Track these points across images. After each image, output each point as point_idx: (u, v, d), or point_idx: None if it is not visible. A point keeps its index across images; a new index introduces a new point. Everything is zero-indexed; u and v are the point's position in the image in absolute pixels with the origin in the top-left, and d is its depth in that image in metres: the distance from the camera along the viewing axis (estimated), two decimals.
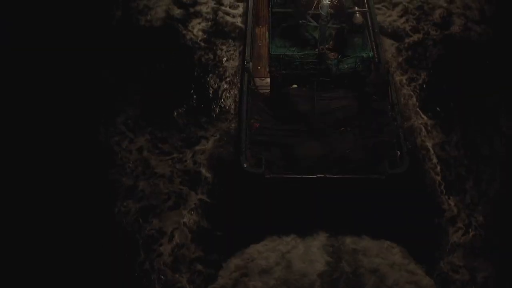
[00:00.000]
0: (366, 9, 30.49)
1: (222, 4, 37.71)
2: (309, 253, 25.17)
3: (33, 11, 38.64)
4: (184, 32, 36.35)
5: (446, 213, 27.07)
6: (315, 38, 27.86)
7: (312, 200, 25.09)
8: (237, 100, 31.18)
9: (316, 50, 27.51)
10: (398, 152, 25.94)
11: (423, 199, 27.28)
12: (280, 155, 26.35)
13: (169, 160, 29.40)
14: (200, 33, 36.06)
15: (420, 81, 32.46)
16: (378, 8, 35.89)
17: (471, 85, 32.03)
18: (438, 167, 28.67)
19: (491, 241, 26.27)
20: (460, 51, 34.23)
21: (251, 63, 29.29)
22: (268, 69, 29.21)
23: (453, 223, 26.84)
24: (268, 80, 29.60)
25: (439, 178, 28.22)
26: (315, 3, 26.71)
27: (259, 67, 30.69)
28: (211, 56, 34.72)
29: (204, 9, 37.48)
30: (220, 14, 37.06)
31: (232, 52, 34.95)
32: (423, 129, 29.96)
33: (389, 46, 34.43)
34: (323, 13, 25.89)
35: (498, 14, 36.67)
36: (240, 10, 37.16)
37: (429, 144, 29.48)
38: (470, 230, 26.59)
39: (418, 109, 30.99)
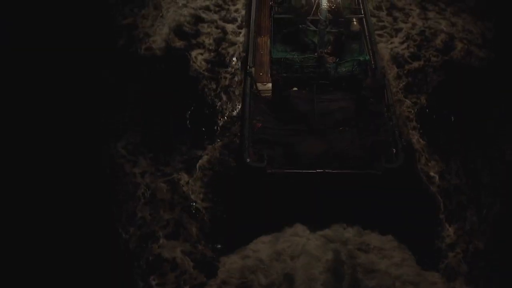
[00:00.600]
0: (362, 15, 32.08)
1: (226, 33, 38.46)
2: (310, 247, 25.94)
3: (33, 11, 38.75)
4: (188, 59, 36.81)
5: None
6: (315, 43, 29.39)
7: (312, 195, 26.20)
8: (240, 106, 32.59)
9: (316, 54, 28.99)
10: (394, 150, 27.09)
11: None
12: (281, 152, 27.52)
13: (169, 183, 29.85)
14: (203, 63, 36.40)
15: (420, 106, 33.12)
16: (380, 35, 37.08)
17: (472, 110, 32.59)
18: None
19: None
20: (461, 76, 34.87)
21: (253, 69, 30.67)
22: (269, 74, 30.71)
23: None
24: (270, 85, 31.03)
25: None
26: (314, 9, 28.22)
27: (261, 73, 32.08)
28: (213, 84, 35.17)
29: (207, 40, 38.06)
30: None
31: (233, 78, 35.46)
32: (423, 155, 30.53)
33: (390, 69, 35.22)
34: (322, 18, 27.43)
35: (499, 38, 37.43)
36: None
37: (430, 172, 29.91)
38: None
39: (417, 133, 31.71)
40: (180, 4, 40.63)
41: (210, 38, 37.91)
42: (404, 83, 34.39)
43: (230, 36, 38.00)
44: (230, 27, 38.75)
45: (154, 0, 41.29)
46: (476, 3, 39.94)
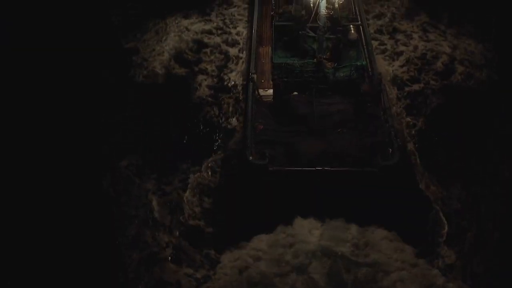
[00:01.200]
0: (359, 23, 33.60)
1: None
2: (309, 241, 26.96)
3: (33, 11, 38.91)
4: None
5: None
6: (314, 49, 30.85)
7: (311, 192, 27.35)
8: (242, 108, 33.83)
9: (315, 59, 30.40)
10: (390, 149, 28.30)
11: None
12: (282, 152, 28.72)
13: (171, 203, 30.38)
14: (206, 89, 36.88)
15: (419, 128, 33.70)
16: (383, 58, 37.93)
17: (471, 133, 32.92)
18: None
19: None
20: (461, 99, 35.31)
21: (255, 75, 32.05)
22: (271, 80, 32.10)
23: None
24: (271, 91, 32.42)
25: None
26: (313, 15, 29.73)
27: (262, 80, 33.47)
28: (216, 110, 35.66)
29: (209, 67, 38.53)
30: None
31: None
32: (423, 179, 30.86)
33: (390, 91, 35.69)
34: (320, 24, 28.89)
35: (499, 58, 38.07)
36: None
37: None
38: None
39: (417, 157, 32.05)
40: (182, 29, 41.45)
41: (212, 65, 38.52)
42: (403, 105, 35.06)
43: (232, 65, 38.62)
44: (232, 51, 39.52)
45: (156, 25, 42.28)
46: (476, 26, 40.63)
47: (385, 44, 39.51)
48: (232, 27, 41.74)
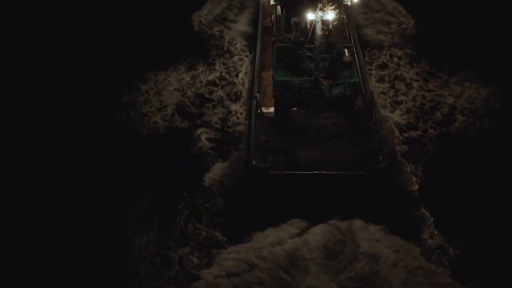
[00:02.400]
0: (352, 44, 36.93)
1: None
2: (309, 238, 29.12)
3: (33, 11, 39.94)
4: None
5: None
6: (311, 68, 34.00)
7: (309, 193, 30.02)
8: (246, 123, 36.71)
9: (312, 77, 33.56)
10: (381, 156, 31.06)
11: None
12: (283, 158, 31.51)
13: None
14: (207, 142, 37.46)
15: (419, 174, 34.31)
16: (385, 106, 39.23)
17: (471, 178, 33.60)
18: None
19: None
20: (460, 145, 36.17)
21: (258, 94, 35.16)
22: (272, 98, 35.17)
23: None
24: (272, 109, 35.47)
25: None
26: (309, 35, 33.06)
27: (265, 100, 36.59)
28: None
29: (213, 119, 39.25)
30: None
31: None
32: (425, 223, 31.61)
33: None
34: (316, 44, 32.16)
35: (504, 101, 39.35)
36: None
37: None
38: None
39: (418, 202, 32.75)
40: (184, 82, 42.83)
41: (214, 117, 39.48)
42: (403, 151, 35.97)
43: (234, 117, 39.57)
44: (234, 106, 40.51)
45: (156, 76, 43.50)
46: (476, 70, 42.07)
47: (385, 93, 40.60)
48: (235, 75, 43.50)
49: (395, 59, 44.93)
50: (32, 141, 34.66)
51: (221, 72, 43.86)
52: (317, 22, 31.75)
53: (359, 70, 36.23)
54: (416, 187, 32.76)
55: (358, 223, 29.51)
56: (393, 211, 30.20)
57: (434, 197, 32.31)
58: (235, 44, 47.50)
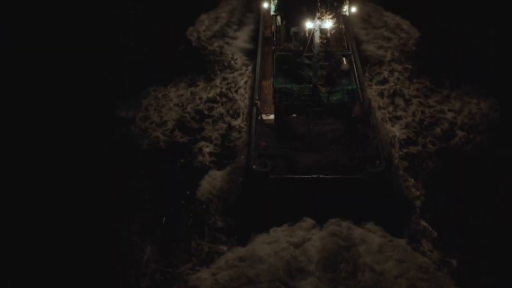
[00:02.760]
0: (350, 53, 37.94)
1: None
2: (308, 246, 29.42)
3: (33, 11, 40.27)
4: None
5: None
6: (310, 76, 34.95)
7: (309, 196, 30.83)
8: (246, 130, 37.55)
9: (311, 85, 34.51)
10: (378, 161, 31.91)
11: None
12: (282, 163, 32.37)
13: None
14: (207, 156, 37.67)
15: (420, 189, 34.33)
16: (384, 120, 39.67)
17: (470, 194, 33.67)
18: None
19: None
20: (460, 161, 36.32)
21: (259, 102, 36.10)
22: (272, 106, 36.10)
23: None
24: (272, 116, 36.40)
25: None
26: (308, 43, 34.07)
27: (265, 107, 37.54)
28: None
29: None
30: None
31: None
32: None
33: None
34: (315, 52, 33.16)
35: (505, 114, 39.59)
36: None
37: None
38: None
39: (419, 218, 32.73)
40: (184, 99, 42.98)
41: (215, 132, 39.72)
42: (404, 167, 36.01)
43: (236, 132, 39.75)
44: (234, 122, 40.71)
45: (156, 92, 43.55)
46: (477, 84, 42.51)
47: (384, 108, 40.85)
48: (235, 91, 43.80)
49: (396, 74, 45.40)
50: (32, 141, 34.95)
51: (221, 88, 44.28)
52: (316, 31, 32.70)
53: (357, 78, 37.18)
54: (416, 194, 33.40)
55: (358, 231, 29.96)
56: (391, 214, 30.99)
57: (434, 212, 32.61)
58: (236, 59, 48.13)
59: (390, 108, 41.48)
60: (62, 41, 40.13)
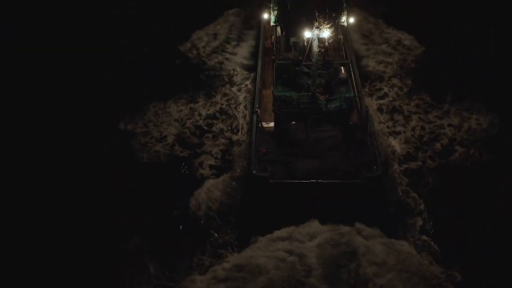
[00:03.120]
0: (348, 61, 38.94)
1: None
2: (308, 255, 30.09)
3: (33, 11, 40.41)
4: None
5: None
6: (309, 84, 35.90)
7: (308, 201, 31.68)
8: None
9: (310, 93, 35.46)
10: (375, 166, 32.75)
11: None
12: (282, 168, 33.24)
13: None
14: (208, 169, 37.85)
15: (421, 206, 34.31)
16: (385, 134, 39.85)
17: (470, 210, 33.78)
18: None
19: None
20: (460, 177, 36.42)
21: (259, 110, 37.04)
22: (272, 114, 37.01)
23: None
24: (272, 123, 37.31)
25: None
26: (306, 52, 35.07)
27: (265, 116, 38.48)
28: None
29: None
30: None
31: None
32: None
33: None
34: (313, 61, 34.13)
35: (503, 131, 39.67)
36: None
37: None
38: None
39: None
40: (183, 115, 43.16)
41: (215, 147, 39.92)
42: (404, 185, 35.93)
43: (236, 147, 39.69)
44: (235, 137, 40.81)
45: (156, 107, 43.62)
46: (474, 101, 42.62)
47: (383, 123, 41.06)
48: (234, 108, 43.90)
49: (395, 89, 45.73)
50: (32, 141, 35.18)
51: (222, 105, 44.47)
52: (314, 40, 33.68)
53: (355, 87, 38.14)
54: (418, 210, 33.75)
55: (358, 240, 30.43)
56: (388, 217, 31.81)
57: (435, 227, 32.86)
58: (236, 74, 48.51)
59: (390, 123, 41.68)
60: (62, 41, 40.26)
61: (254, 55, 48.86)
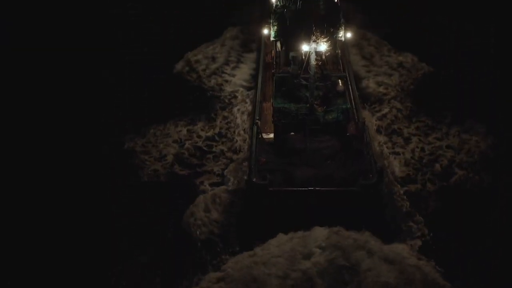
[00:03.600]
0: (345, 74, 40.37)
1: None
2: (308, 267, 30.59)
3: (33, 11, 40.89)
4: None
5: None
6: (307, 96, 37.24)
7: (306, 208, 32.82)
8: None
9: (308, 105, 36.78)
10: (371, 175, 33.93)
11: None
12: (281, 177, 34.44)
13: None
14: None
15: (423, 230, 34.07)
16: (386, 157, 39.69)
17: (470, 234, 33.71)
18: None
19: None
20: (460, 201, 36.33)
21: (259, 121, 38.36)
22: (272, 125, 38.30)
23: None
24: (272, 135, 38.63)
25: None
26: (304, 65, 36.49)
27: (265, 127, 39.81)
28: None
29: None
30: None
31: None
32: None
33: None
34: (311, 73, 35.52)
35: (501, 155, 39.72)
36: None
37: None
38: None
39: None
40: (182, 135, 43.25)
41: (217, 166, 39.98)
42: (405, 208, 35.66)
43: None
44: (236, 156, 40.99)
45: (155, 129, 43.69)
46: (473, 124, 42.93)
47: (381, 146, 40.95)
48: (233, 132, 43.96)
49: (394, 111, 45.98)
50: (32, 141, 35.52)
51: (221, 129, 44.56)
52: (311, 53, 35.09)
53: (352, 99, 39.47)
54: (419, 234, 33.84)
55: (358, 254, 30.67)
56: (384, 223, 32.95)
57: (435, 250, 32.65)
58: (236, 96, 48.79)
59: (389, 145, 41.82)
60: (62, 41, 40.46)
61: (253, 76, 49.63)
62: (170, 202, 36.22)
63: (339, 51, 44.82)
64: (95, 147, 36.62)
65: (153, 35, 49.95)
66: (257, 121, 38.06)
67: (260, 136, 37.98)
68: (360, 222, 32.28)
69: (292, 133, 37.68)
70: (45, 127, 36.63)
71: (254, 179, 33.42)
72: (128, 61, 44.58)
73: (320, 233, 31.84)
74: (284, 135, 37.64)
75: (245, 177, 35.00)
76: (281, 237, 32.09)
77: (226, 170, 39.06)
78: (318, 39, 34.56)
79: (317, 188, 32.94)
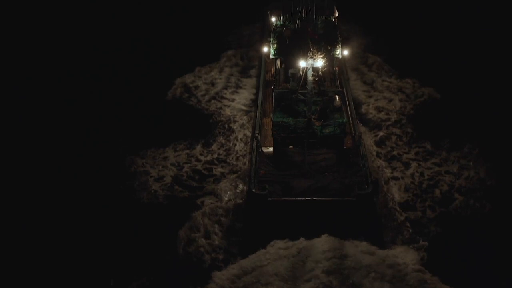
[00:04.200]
0: (342, 90, 41.91)
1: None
2: (307, 251, 32.44)
3: (33, 11, 41.19)
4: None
5: None
6: (305, 111, 38.73)
7: (303, 217, 34.12)
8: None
9: (306, 119, 38.29)
10: (366, 185, 35.26)
11: None
12: (279, 187, 35.85)
13: None
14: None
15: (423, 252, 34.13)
16: (386, 182, 39.66)
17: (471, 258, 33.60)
18: None
19: None
20: (460, 226, 36.33)
21: (259, 136, 39.84)
22: (271, 134, 39.74)
23: None
24: (271, 149, 40.05)
25: None
26: (302, 80, 38.04)
27: (265, 142, 41.27)
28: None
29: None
30: None
31: None
32: None
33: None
34: (308, 89, 37.06)
35: (500, 181, 39.58)
36: None
37: None
38: None
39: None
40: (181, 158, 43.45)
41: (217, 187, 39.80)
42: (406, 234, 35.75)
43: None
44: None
45: (154, 153, 43.97)
46: (472, 149, 43.06)
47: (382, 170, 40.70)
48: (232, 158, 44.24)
49: (395, 138, 46.24)
50: (32, 141, 35.93)
51: (219, 154, 44.93)
52: (309, 69, 36.65)
53: (349, 114, 40.96)
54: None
55: (350, 261, 31.61)
56: (378, 232, 34.21)
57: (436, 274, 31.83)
58: (235, 121, 49.00)
59: (389, 170, 41.91)
60: (62, 41, 40.47)
61: (253, 101, 50.36)
62: (168, 224, 36.28)
63: (337, 68, 46.41)
64: (93, 167, 36.87)
65: (153, 35, 49.69)
66: (257, 135, 39.57)
67: (260, 149, 39.42)
68: (356, 230, 33.59)
69: (291, 147, 39.09)
70: (45, 127, 36.59)
71: (254, 190, 34.76)
72: (128, 61, 44.16)
73: (318, 243, 32.86)
74: (283, 148, 39.03)
75: (245, 188, 36.30)
76: (279, 245, 33.18)
77: (218, 185, 39.74)
78: (315, 55, 36.06)
79: (314, 198, 34.28)
